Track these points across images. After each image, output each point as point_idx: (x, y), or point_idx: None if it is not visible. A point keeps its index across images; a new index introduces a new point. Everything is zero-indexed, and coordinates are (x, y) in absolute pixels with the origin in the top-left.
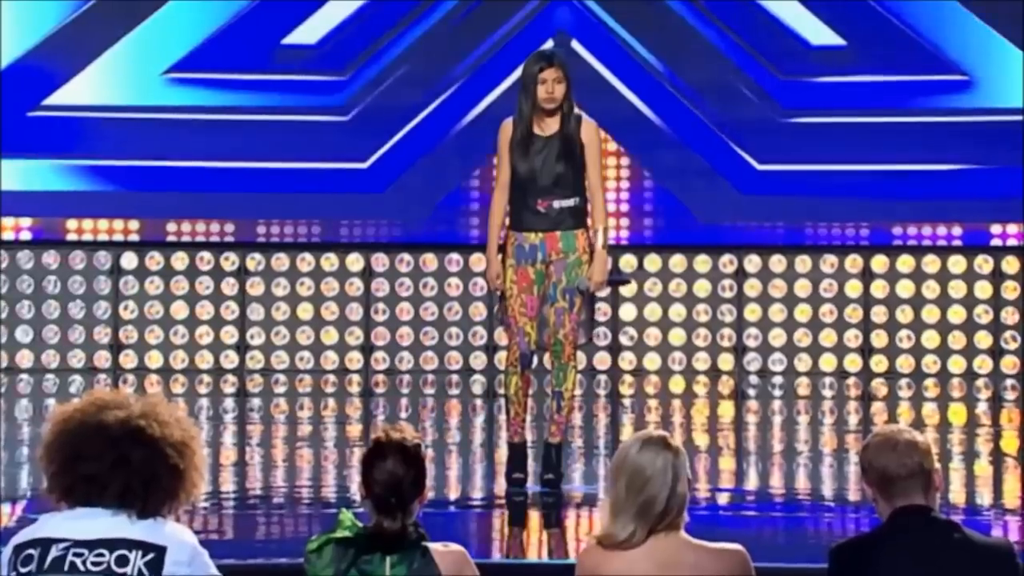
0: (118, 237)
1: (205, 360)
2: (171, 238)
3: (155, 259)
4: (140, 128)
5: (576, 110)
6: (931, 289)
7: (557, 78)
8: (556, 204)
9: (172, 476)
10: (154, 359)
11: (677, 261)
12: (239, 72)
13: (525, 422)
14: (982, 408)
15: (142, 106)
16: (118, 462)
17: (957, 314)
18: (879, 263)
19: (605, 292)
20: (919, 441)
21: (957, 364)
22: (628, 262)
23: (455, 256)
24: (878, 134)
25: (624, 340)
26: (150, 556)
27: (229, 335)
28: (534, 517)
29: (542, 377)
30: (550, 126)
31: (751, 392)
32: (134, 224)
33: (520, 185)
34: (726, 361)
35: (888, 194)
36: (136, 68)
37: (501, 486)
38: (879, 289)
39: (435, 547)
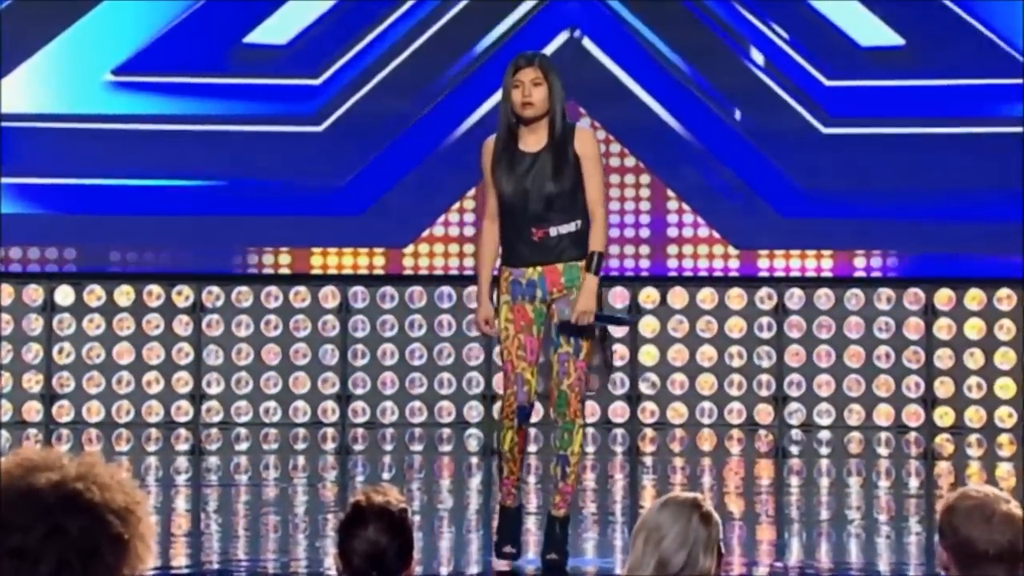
0: (52, 268)
1: (154, 412)
2: (114, 268)
3: (95, 293)
4: (78, 140)
5: (569, 120)
6: (1005, 329)
7: (535, 79)
8: (554, 231)
9: (115, 548)
10: (94, 411)
11: (706, 296)
12: (194, 75)
13: (519, 482)
14: None
15: (81, 115)
16: (52, 533)
17: None
18: (943, 298)
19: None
20: (1017, 516)
21: None
22: (649, 296)
23: (447, 290)
24: (941, 147)
25: (644, 388)
26: None
27: (182, 383)
28: None
29: (550, 431)
30: (537, 140)
31: (793, 449)
32: (70, 252)
33: (509, 211)
34: (764, 413)
35: (953, 217)
36: (74, 70)
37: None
38: (944, 329)
39: None
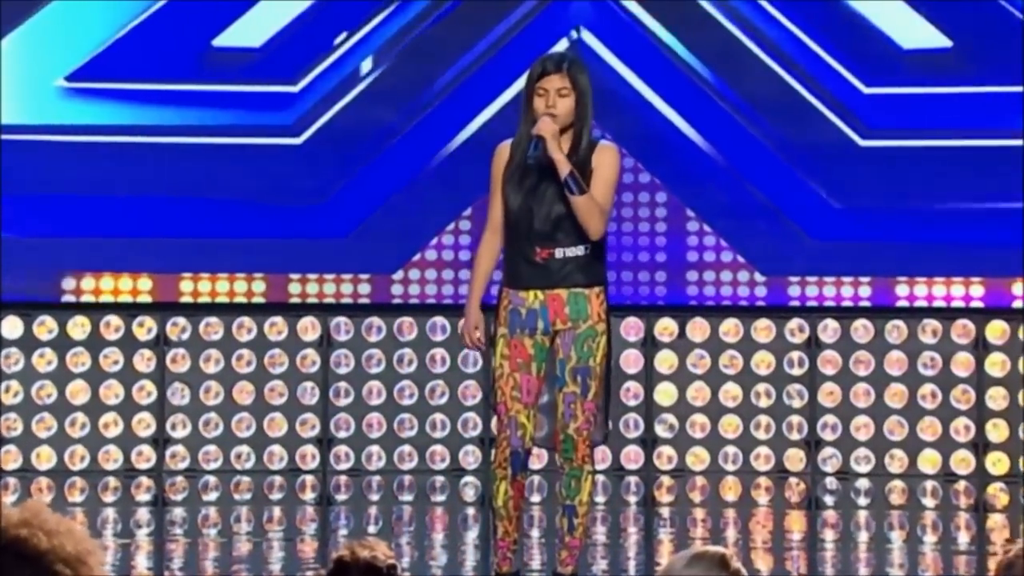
0: None
1: (112, 458)
2: (67, 298)
3: (46, 325)
4: (28, 153)
5: (596, 133)
6: None
7: (561, 89)
8: (559, 253)
9: None
10: (44, 457)
11: (730, 327)
12: (158, 81)
13: (517, 544)
14: None
15: (31, 125)
16: None
17: None
18: (995, 331)
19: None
20: None
21: None
22: (666, 328)
23: (440, 321)
24: (992, 161)
25: (661, 431)
26: None
27: (144, 425)
28: None
29: (555, 478)
30: None
31: (828, 499)
32: (18, 279)
33: (514, 226)
34: (795, 459)
35: (1006, 240)
36: (23, 76)
37: None
38: (996, 366)
39: None
